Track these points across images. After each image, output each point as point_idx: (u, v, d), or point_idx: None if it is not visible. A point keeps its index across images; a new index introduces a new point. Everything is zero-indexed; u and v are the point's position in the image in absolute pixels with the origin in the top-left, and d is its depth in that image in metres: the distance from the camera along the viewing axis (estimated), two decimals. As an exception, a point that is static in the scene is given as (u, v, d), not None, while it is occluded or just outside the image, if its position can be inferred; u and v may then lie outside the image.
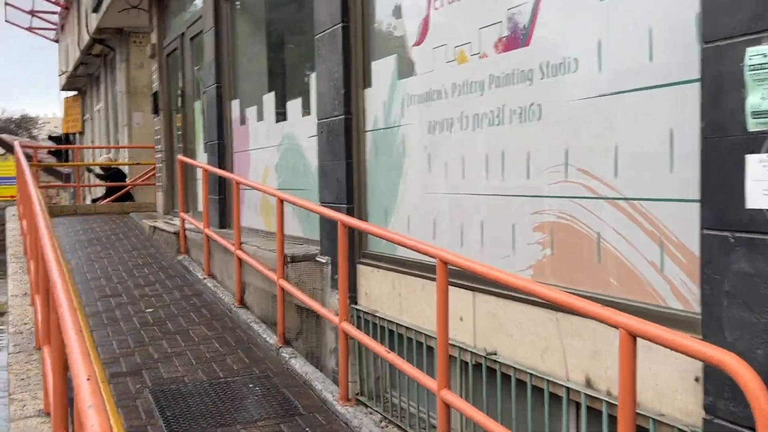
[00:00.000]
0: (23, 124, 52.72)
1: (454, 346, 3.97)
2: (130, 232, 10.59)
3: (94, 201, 14.47)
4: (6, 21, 22.33)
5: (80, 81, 22.00)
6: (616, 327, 2.39)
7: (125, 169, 14.68)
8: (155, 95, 11.66)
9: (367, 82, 5.13)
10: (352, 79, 5.19)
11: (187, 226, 8.64)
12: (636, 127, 3.05)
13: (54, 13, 21.68)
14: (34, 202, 4.85)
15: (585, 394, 3.17)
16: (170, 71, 11.27)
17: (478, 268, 3.18)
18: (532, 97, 3.59)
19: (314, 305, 4.99)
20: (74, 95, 23.79)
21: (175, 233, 8.95)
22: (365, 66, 5.13)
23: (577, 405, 3.27)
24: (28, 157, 16.19)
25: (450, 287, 3.48)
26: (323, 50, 5.47)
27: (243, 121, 7.98)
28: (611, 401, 3.03)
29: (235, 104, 8.20)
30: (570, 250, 3.39)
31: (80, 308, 3.84)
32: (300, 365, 5.19)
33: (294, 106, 6.63)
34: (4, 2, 20.99)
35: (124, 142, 15.70)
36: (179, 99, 10.62)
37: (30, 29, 23.33)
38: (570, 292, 2.98)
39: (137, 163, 14.21)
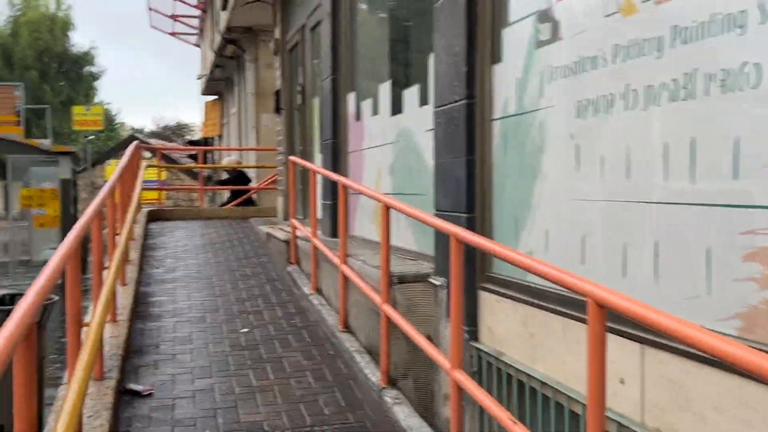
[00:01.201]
0: (177, 131, 54.89)
1: (610, 419, 2.77)
2: (245, 238, 9.95)
3: (221, 205, 14.08)
4: (151, 27, 22.83)
5: (219, 85, 22.07)
6: None
7: (250, 173, 14.19)
8: (277, 93, 10.98)
9: (495, 56, 3.98)
10: (477, 54, 4.06)
11: (298, 233, 7.80)
12: None
13: (194, 17, 21.88)
14: (96, 200, 4.11)
15: None
16: (292, 67, 10.55)
17: (654, 318, 1.99)
18: (744, 54, 2.33)
19: (422, 342, 3.90)
20: (214, 99, 24.02)
21: (285, 241, 8.14)
22: (494, 35, 3.98)
23: None
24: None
25: (606, 333, 2.29)
26: (442, 20, 4.38)
27: (358, 116, 7.01)
28: None
29: (351, 98, 7.25)
30: (811, 294, 2.12)
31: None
32: (404, 415, 4.12)
33: (411, 95, 5.56)
34: (148, 7, 21.39)
35: (252, 144, 15.26)
36: (299, 96, 9.86)
37: (173, 34, 23.77)
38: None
39: (262, 166, 13.66)
